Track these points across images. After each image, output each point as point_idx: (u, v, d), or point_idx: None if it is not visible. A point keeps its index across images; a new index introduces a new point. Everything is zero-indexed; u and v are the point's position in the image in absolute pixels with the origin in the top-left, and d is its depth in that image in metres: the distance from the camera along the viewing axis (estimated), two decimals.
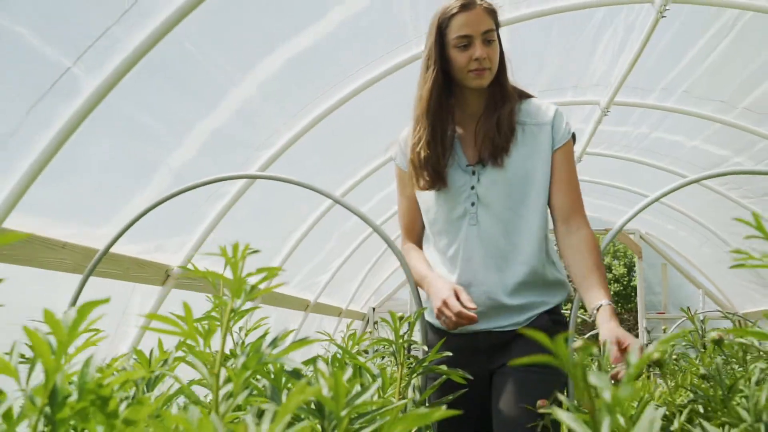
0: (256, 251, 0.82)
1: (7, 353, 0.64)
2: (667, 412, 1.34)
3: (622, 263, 25.17)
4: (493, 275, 1.51)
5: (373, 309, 8.27)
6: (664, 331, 6.57)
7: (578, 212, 1.53)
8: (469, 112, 1.57)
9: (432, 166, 1.50)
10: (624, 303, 25.04)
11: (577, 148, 5.97)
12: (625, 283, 19.32)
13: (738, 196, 5.95)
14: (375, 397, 1.08)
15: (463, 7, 1.44)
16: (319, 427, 0.65)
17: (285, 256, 4.72)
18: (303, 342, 0.71)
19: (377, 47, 3.16)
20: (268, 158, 3.40)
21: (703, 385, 1.36)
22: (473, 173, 1.53)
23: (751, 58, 3.98)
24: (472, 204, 1.52)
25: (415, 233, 1.70)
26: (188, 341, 0.74)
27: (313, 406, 0.68)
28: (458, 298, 1.40)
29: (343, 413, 0.60)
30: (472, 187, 1.52)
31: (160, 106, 2.48)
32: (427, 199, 1.58)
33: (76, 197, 2.45)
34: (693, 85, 4.47)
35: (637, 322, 9.19)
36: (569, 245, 1.51)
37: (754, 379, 1.11)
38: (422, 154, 1.50)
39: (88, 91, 2.07)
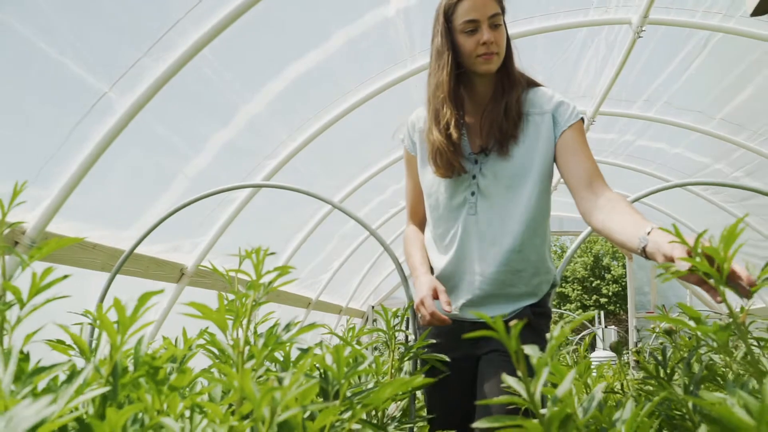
0: (272, 253, 1.09)
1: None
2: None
3: (621, 264, 25.52)
4: (485, 265, 1.51)
5: (372, 307, 8.57)
6: (653, 330, 6.85)
7: (599, 177, 1.43)
8: (477, 100, 1.54)
9: (456, 150, 1.49)
10: (622, 303, 25.19)
11: None
12: (623, 283, 19.60)
13: (720, 201, 6.23)
14: (369, 377, 1.34)
15: None
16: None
17: (288, 256, 5.01)
18: (312, 326, 0.97)
19: (373, 67, 3.47)
20: (274, 167, 3.70)
21: (650, 367, 1.56)
22: (476, 162, 1.51)
23: (724, 73, 4.27)
24: (473, 194, 1.51)
25: (419, 215, 1.71)
26: (208, 330, 1.00)
27: (318, 375, 0.91)
28: (438, 298, 1.44)
29: (343, 380, 0.81)
30: (474, 177, 1.51)
31: (180, 122, 2.78)
32: (430, 184, 1.56)
33: (105, 203, 2.74)
34: (672, 97, 4.77)
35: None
36: (600, 207, 1.36)
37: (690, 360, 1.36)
38: (453, 135, 1.47)
39: (120, 112, 2.37)
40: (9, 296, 0.85)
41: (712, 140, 5.07)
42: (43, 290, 0.87)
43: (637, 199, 1.90)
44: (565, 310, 26.82)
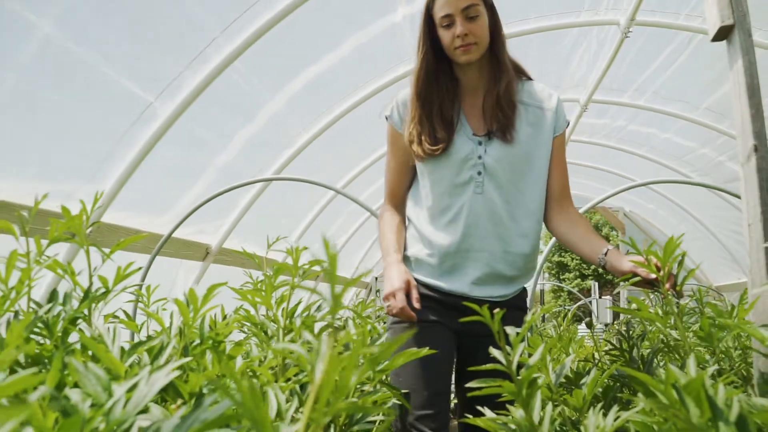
0: (306, 248, 1.40)
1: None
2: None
3: (618, 234, 25.96)
4: (494, 244, 1.52)
5: (376, 278, 9.00)
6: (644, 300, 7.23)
7: (569, 193, 1.62)
8: (470, 86, 1.56)
9: (430, 137, 1.52)
10: (613, 278, 25.49)
11: None
12: None
13: (708, 182, 6.57)
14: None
15: None
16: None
17: (300, 232, 5.40)
18: (338, 308, 1.33)
19: (380, 66, 3.80)
20: (289, 156, 4.06)
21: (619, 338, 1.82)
22: (480, 143, 1.52)
23: (707, 68, 4.57)
24: (479, 173, 1.51)
25: (398, 197, 1.68)
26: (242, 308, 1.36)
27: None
28: (409, 294, 1.46)
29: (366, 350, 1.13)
30: (480, 157, 1.51)
31: (211, 122, 3.13)
32: (430, 162, 1.55)
33: (146, 194, 3.11)
34: (660, 87, 5.07)
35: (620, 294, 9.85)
36: (565, 219, 1.57)
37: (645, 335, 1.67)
38: (416, 130, 1.52)
39: (163, 118, 2.73)
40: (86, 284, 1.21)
41: (697, 127, 5.40)
42: (125, 278, 1.20)
43: (598, 202, 2.25)
44: (563, 279, 27.35)
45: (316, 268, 1.29)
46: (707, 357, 1.36)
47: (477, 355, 1.53)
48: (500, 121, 1.51)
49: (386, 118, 1.65)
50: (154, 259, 2.98)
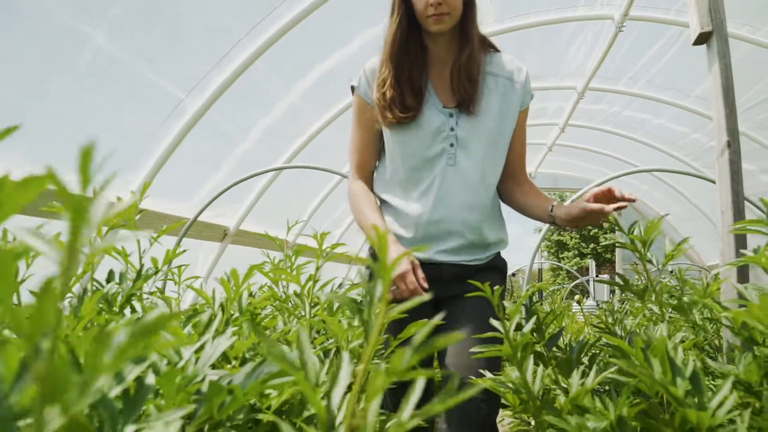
0: (328, 232, 1.66)
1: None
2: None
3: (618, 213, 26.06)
4: (467, 213, 1.53)
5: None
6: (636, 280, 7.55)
7: (524, 167, 1.65)
8: (439, 57, 1.54)
9: (400, 103, 1.49)
10: (611, 257, 25.74)
11: (560, 121, 6.87)
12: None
13: (700, 166, 6.84)
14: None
15: None
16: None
17: (310, 214, 5.69)
18: (354, 285, 1.59)
19: None
20: (301, 143, 4.33)
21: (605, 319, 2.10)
22: (451, 116, 1.51)
23: (696, 59, 4.79)
24: (451, 145, 1.51)
25: (367, 170, 1.64)
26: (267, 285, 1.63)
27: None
28: (415, 274, 1.41)
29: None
30: (452, 129, 1.51)
31: (233, 116, 3.39)
32: (401, 133, 1.53)
33: (173, 181, 3.39)
34: (653, 76, 5.31)
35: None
36: (521, 191, 1.63)
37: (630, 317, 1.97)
38: (387, 94, 1.49)
39: (191, 112, 2.99)
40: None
41: (689, 114, 5.64)
42: (174, 258, 1.46)
43: (598, 185, 2.52)
44: (562, 257, 27.73)
45: (339, 249, 1.57)
46: (683, 329, 1.52)
47: (459, 317, 1.50)
48: (461, 95, 1.50)
49: (352, 89, 1.61)
50: (181, 241, 3.28)
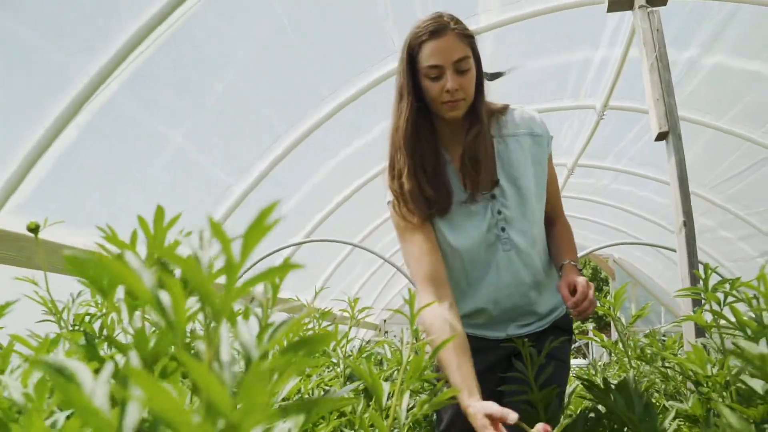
0: (358, 299, 2.16)
1: None
2: None
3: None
4: (525, 288, 1.48)
5: (384, 321, 9.68)
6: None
7: (559, 206, 1.60)
8: (456, 140, 1.47)
9: (423, 195, 1.41)
10: (605, 315, 25.91)
11: None
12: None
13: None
14: None
15: (433, 34, 1.33)
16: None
17: (326, 278, 6.15)
18: (381, 342, 2.07)
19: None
20: (321, 218, 4.86)
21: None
22: (493, 197, 1.45)
23: None
24: (503, 229, 1.45)
25: (438, 279, 1.42)
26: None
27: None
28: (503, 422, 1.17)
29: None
30: (499, 212, 1.44)
31: (269, 195, 3.93)
32: (464, 235, 1.45)
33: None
34: (634, 155, 5.91)
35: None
36: (552, 235, 1.58)
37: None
38: (406, 185, 1.41)
39: (236, 195, 3.52)
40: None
41: (668, 187, 6.16)
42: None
43: (589, 253, 3.01)
44: None
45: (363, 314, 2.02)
46: (655, 378, 1.89)
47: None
48: (470, 179, 1.42)
49: (389, 204, 1.50)
50: None
